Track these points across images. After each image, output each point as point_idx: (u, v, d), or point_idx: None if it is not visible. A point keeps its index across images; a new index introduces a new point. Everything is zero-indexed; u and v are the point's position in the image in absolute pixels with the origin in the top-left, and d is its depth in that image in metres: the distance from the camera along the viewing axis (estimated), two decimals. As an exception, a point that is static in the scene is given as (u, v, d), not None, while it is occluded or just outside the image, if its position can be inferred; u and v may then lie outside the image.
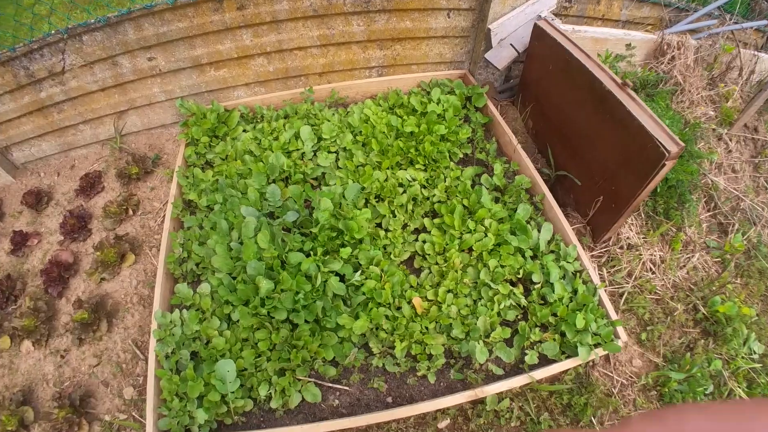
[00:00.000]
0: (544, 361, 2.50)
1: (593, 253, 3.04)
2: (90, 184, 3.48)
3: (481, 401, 2.44)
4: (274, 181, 2.97)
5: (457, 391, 2.38)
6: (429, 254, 2.73)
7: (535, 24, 3.17)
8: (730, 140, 3.71)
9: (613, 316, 2.56)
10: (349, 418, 2.26)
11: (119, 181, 3.46)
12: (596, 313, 2.52)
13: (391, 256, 2.74)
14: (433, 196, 2.95)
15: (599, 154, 2.83)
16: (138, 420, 2.58)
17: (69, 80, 3.30)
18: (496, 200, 3.00)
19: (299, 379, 2.41)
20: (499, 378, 2.44)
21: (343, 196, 2.79)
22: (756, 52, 3.95)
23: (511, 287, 2.60)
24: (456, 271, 2.62)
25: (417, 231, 2.94)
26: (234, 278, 2.57)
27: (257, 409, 2.39)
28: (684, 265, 3.14)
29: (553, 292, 2.58)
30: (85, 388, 2.72)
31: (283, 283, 2.39)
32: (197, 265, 2.75)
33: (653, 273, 3.04)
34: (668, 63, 3.69)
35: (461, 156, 3.23)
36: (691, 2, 4.08)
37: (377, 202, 2.91)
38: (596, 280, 2.68)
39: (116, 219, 3.26)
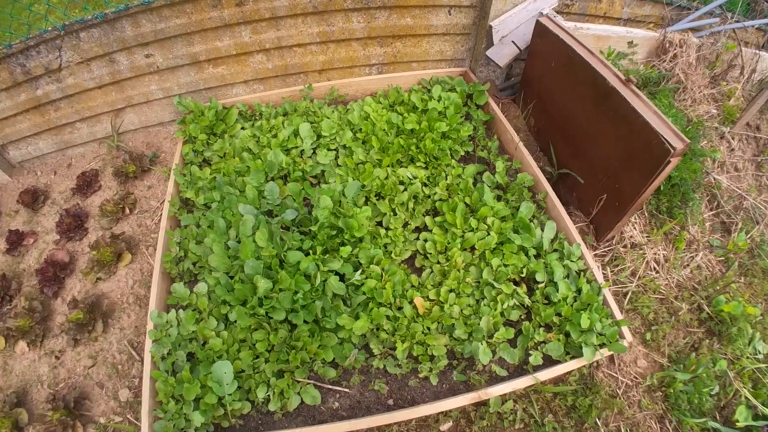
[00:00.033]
0: (548, 361, 2.42)
1: (596, 252, 2.96)
2: (87, 183, 3.39)
3: (484, 403, 2.35)
4: (272, 179, 2.88)
5: (460, 392, 2.30)
6: (430, 253, 2.65)
7: (538, 21, 3.09)
8: (733, 139, 3.63)
9: (618, 315, 2.48)
10: (349, 421, 2.18)
11: (116, 180, 3.37)
12: (601, 313, 2.43)
13: (392, 255, 2.65)
14: (435, 194, 2.86)
15: (602, 152, 2.76)
16: (133, 423, 2.50)
17: (66, 77, 3.21)
18: (498, 198, 2.91)
19: (298, 381, 2.32)
20: (502, 379, 2.36)
21: (343, 194, 2.70)
22: (757, 51, 3.88)
23: (514, 287, 2.51)
24: (458, 271, 2.54)
25: (418, 229, 2.86)
26: (231, 278, 2.48)
27: (255, 411, 2.31)
28: (688, 264, 3.06)
29: (557, 291, 2.49)
30: (80, 390, 2.65)
31: (282, 283, 2.30)
32: (194, 264, 2.66)
33: (657, 272, 2.96)
34: (670, 61, 3.62)
35: (462, 154, 3.14)
36: (693, 1, 4.00)
37: (378, 200, 2.82)
38: (600, 279, 2.60)
39: (113, 218, 3.17)
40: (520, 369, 2.43)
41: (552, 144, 3.21)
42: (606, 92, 2.62)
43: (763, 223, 3.26)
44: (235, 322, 2.35)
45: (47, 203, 3.44)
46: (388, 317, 2.41)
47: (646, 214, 3.13)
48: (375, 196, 2.84)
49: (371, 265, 2.51)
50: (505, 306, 2.44)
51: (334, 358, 2.35)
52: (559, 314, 2.46)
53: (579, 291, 2.54)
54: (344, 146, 3.10)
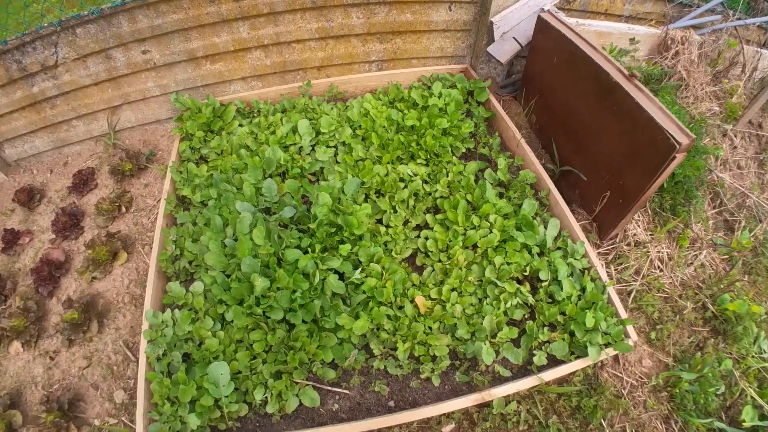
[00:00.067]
0: (553, 361, 2.33)
1: (600, 250, 2.87)
2: (83, 181, 3.30)
3: (488, 404, 2.27)
4: (270, 176, 2.80)
5: (463, 394, 2.22)
6: (432, 251, 2.56)
7: (539, 16, 3.01)
8: (735, 136, 3.55)
9: (623, 314, 2.41)
10: (349, 423, 2.10)
11: (113, 178, 3.28)
12: (606, 312, 2.36)
13: (393, 253, 2.57)
14: (435, 191, 2.78)
15: (606, 148, 2.69)
16: (128, 425, 2.42)
17: (62, 74, 3.13)
18: (500, 196, 2.83)
19: (296, 383, 2.23)
20: (506, 380, 2.28)
21: (342, 191, 2.61)
22: (759, 49, 3.81)
23: (517, 285, 2.43)
24: (460, 269, 2.45)
25: (419, 227, 2.77)
26: (228, 276, 2.39)
27: (252, 414, 2.23)
28: (691, 263, 2.98)
29: (561, 290, 2.41)
30: (75, 392, 2.57)
31: (280, 281, 2.21)
32: (190, 263, 2.58)
33: (661, 271, 2.88)
34: (672, 58, 3.55)
35: (463, 151, 3.06)
36: (694, -2, 3.93)
37: (377, 197, 2.74)
38: (605, 277, 2.51)
39: (109, 216, 3.08)
40: (524, 369, 2.34)
41: (554, 141, 3.13)
42: (609, 87, 2.55)
43: (766, 221, 3.19)
44: (232, 321, 2.26)
45: (43, 202, 3.36)
46: (388, 317, 2.32)
47: (650, 211, 3.05)
48: (375, 193, 2.76)
49: (371, 264, 2.42)
50: (508, 305, 2.35)
51: (334, 359, 2.27)
52: (563, 313, 2.38)
53: (583, 289, 2.46)
54: (343, 143, 3.01)
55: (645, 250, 2.89)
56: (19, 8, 3.41)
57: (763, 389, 2.50)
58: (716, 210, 3.23)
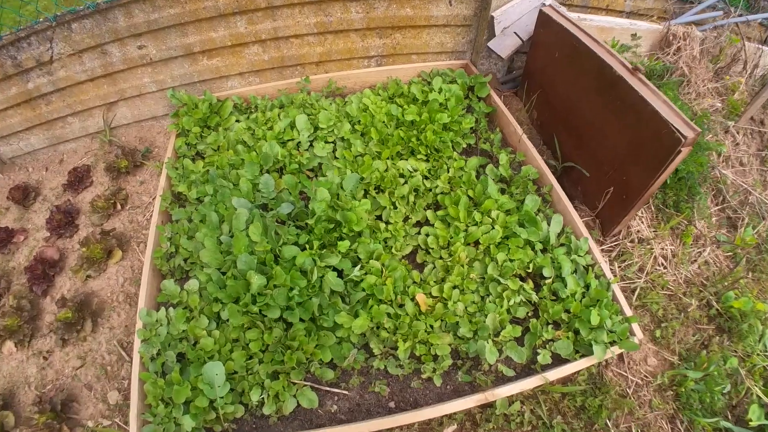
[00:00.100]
0: (557, 360, 2.24)
1: (603, 247, 2.78)
2: (78, 179, 3.21)
3: (491, 405, 2.18)
4: (267, 172, 2.70)
5: (465, 394, 2.14)
6: (432, 248, 2.47)
7: (541, 10, 2.92)
8: (738, 133, 3.47)
9: (628, 312, 2.32)
10: (348, 425, 2.02)
11: (108, 175, 3.19)
12: (611, 309, 2.27)
13: (392, 250, 2.47)
14: (436, 187, 2.68)
15: (609, 143, 2.62)
16: (122, 427, 2.32)
17: (57, 70, 3.04)
18: (502, 192, 2.74)
19: (294, 383, 2.15)
20: (509, 380, 2.19)
21: (341, 187, 2.52)
22: (760, 46, 3.73)
23: (520, 282, 2.33)
24: (462, 266, 2.36)
25: (419, 224, 2.68)
26: (224, 274, 2.30)
27: (249, 415, 2.14)
28: (695, 260, 2.89)
29: (566, 287, 2.32)
30: (68, 392, 2.49)
31: (277, 279, 2.11)
32: (185, 260, 2.48)
33: (665, 268, 2.80)
34: (674, 54, 3.46)
35: (464, 146, 2.97)
36: (695, -6, 3.84)
37: (377, 193, 2.65)
38: (609, 274, 2.42)
39: (104, 214, 2.99)
40: (528, 368, 2.26)
41: (556, 137, 3.04)
42: (612, 81, 2.48)
43: (770, 218, 3.10)
44: (228, 320, 2.16)
45: (38, 200, 3.27)
46: (389, 315, 2.23)
47: (653, 208, 2.97)
48: (374, 189, 2.67)
49: (371, 261, 2.33)
50: (511, 302, 2.26)
51: (332, 359, 2.18)
52: (567, 311, 2.29)
53: (587, 287, 2.38)
54: (342, 138, 2.92)
55: (649, 247, 2.81)
56: (16, 6, 3.32)
57: (770, 388, 2.43)
58: (719, 207, 3.15)
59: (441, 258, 2.45)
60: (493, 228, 2.44)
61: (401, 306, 2.28)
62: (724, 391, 2.39)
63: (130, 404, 2.14)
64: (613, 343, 2.22)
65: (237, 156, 2.77)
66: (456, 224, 2.48)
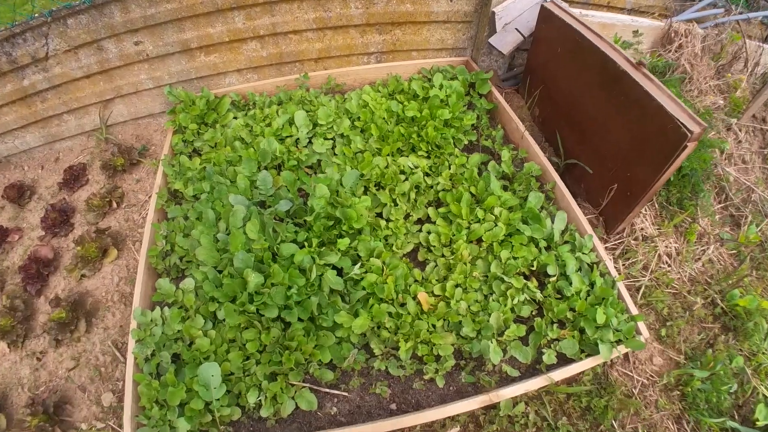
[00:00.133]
0: (562, 360, 2.16)
1: (607, 245, 2.70)
2: (74, 177, 3.12)
3: (494, 406, 2.09)
4: (265, 169, 2.61)
5: (469, 395, 2.05)
6: (434, 246, 2.38)
7: (542, 5, 2.85)
8: (740, 131, 3.40)
9: (633, 310, 2.24)
10: (348, 428, 1.94)
11: (104, 174, 3.09)
12: (616, 308, 2.18)
13: (393, 248, 2.38)
14: (437, 184, 2.60)
15: (612, 139, 2.54)
16: (116, 430, 2.24)
17: (53, 66, 2.95)
18: (505, 189, 2.65)
19: (292, 385, 2.06)
20: (513, 380, 2.09)
21: (341, 184, 2.43)
22: (761, 44, 3.66)
23: (524, 281, 2.24)
24: (464, 264, 2.27)
25: (420, 221, 2.59)
26: (220, 272, 2.20)
27: (246, 418, 2.05)
28: (699, 258, 2.81)
29: (570, 285, 2.24)
30: (61, 394, 2.41)
31: (274, 277, 2.02)
32: (181, 258, 2.39)
33: (669, 266, 2.71)
34: (676, 51, 3.39)
35: (465, 143, 2.88)
36: (696, -9, 3.77)
37: (377, 190, 2.55)
38: (613, 272, 2.34)
39: (99, 212, 2.90)
40: (533, 369, 2.17)
41: (558, 133, 2.96)
42: (616, 76, 2.41)
43: (773, 216, 3.03)
44: (224, 320, 2.07)
45: (34, 198, 3.17)
46: (390, 314, 2.15)
47: (656, 205, 2.89)
48: (374, 186, 2.57)
49: (371, 259, 2.24)
50: (515, 301, 2.18)
51: (332, 359, 2.09)
52: (572, 309, 2.20)
53: (592, 285, 2.29)
54: (342, 135, 2.83)
55: (653, 244, 2.73)
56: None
57: (776, 387, 2.35)
58: (721, 205, 3.08)
59: (443, 256, 2.37)
60: (496, 225, 2.35)
61: (403, 305, 2.19)
62: (730, 391, 2.32)
63: (124, 406, 2.06)
64: (619, 342, 2.14)
65: (234, 153, 2.68)
66: (458, 221, 2.39)
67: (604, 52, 2.49)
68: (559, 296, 2.28)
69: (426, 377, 2.12)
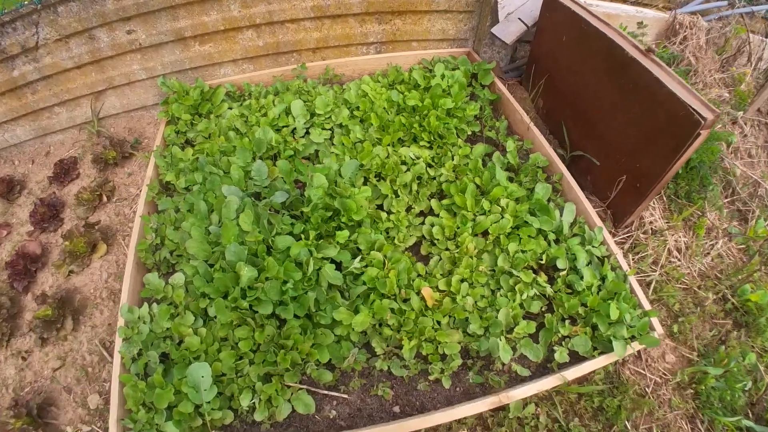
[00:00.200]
0: (574, 358, 1.98)
1: (615, 238, 2.53)
2: (64, 171, 2.93)
3: (503, 408, 1.91)
4: (261, 159, 2.41)
5: (476, 397, 1.87)
6: (438, 239, 2.20)
7: (547, -7, 2.68)
8: (745, 124, 3.24)
9: (646, 305, 2.06)
10: (348, 432, 1.75)
11: (95, 167, 2.90)
12: (629, 303, 2.00)
13: (395, 241, 2.20)
14: (440, 175, 2.42)
15: (620, 129, 2.38)
16: (102, 433, 2.03)
17: (43, 57, 2.77)
18: (510, 180, 2.47)
19: (288, 386, 1.88)
20: (524, 380, 1.91)
21: (339, 174, 2.25)
22: (764, 38, 3.51)
23: (533, 275, 2.06)
24: (470, 258, 2.09)
25: (422, 214, 2.41)
26: (212, 266, 2.01)
27: (238, 422, 1.88)
28: (708, 252, 2.64)
29: (581, 279, 2.06)
30: (46, 395, 2.23)
31: (269, 271, 1.84)
32: (171, 252, 2.20)
33: (679, 260, 2.54)
34: (680, 43, 3.24)
35: (469, 134, 2.70)
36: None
37: (378, 181, 2.37)
38: (624, 266, 2.16)
39: (89, 206, 2.71)
40: (543, 367, 1.99)
41: (564, 125, 2.79)
42: (624, 63, 2.25)
43: (781, 210, 2.87)
44: (215, 317, 1.88)
45: (23, 193, 2.99)
46: (392, 310, 1.97)
47: (665, 198, 2.72)
48: (374, 176, 2.39)
49: (372, 252, 2.06)
50: (524, 296, 2.00)
51: (331, 359, 1.92)
52: (584, 305, 2.03)
53: (603, 279, 2.12)
54: (340, 125, 2.64)
55: (662, 238, 2.55)
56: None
57: (791, 385, 2.19)
58: (728, 199, 2.91)
59: (447, 249, 2.19)
60: (503, 217, 2.18)
61: (406, 301, 2.01)
62: (745, 389, 2.16)
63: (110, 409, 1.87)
64: (632, 338, 1.97)
65: (228, 143, 2.49)
66: (463, 213, 2.21)
67: (612, 39, 2.33)
68: (569, 291, 2.10)
69: (431, 378, 1.94)
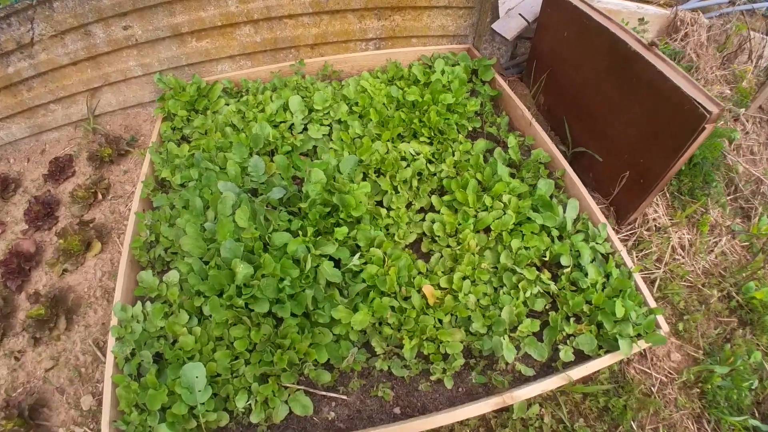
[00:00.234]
0: (579, 357, 1.90)
1: (619, 235, 2.46)
2: (59, 169, 2.85)
3: (507, 408, 1.83)
4: (257, 154, 2.33)
5: (480, 397, 1.79)
6: (439, 236, 2.12)
7: (548, -12, 2.61)
8: (747, 121, 3.17)
9: (652, 303, 1.99)
10: (347, 434, 1.67)
11: (91, 165, 2.83)
12: (634, 300, 1.93)
13: (395, 238, 2.12)
14: (441, 171, 2.34)
15: (623, 125, 2.32)
16: (95, 435, 1.95)
17: (38, 53, 2.69)
18: (512, 176, 2.39)
19: (285, 387, 1.80)
20: (528, 380, 1.83)
21: (338, 169, 2.17)
22: (765, 36, 3.45)
23: (537, 272, 1.98)
24: (472, 255, 2.01)
25: (423, 210, 2.33)
26: (207, 264, 1.93)
27: (234, 424, 1.79)
28: (712, 250, 2.57)
29: (586, 276, 1.98)
30: (38, 396, 2.14)
31: (265, 268, 1.76)
32: (166, 250, 2.12)
33: (683, 258, 2.47)
34: (681, 40, 3.17)
35: (469, 130, 2.63)
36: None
37: (377, 176, 2.29)
38: (629, 262, 2.09)
39: (84, 204, 2.63)
40: (547, 367, 1.91)
41: (566, 121, 2.73)
42: (627, 58, 2.19)
43: (783, 207, 2.80)
44: (210, 316, 1.80)
45: (18, 192, 2.90)
46: (392, 309, 1.88)
47: (668, 195, 2.66)
48: (374, 172, 2.31)
49: (371, 249, 1.98)
50: (528, 294, 1.92)
51: (329, 359, 1.84)
52: (589, 302, 1.95)
53: (607, 276, 2.04)
54: (339, 121, 2.57)
55: (666, 235, 2.48)
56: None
57: (797, 384, 2.12)
58: (731, 196, 2.85)
59: (449, 246, 2.11)
60: (506, 213, 2.10)
61: (406, 299, 1.93)
62: (751, 387, 2.09)
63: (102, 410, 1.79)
64: (638, 336, 1.89)
65: (225, 139, 2.41)
66: (465, 209, 2.13)
67: (615, 33, 2.27)
68: (574, 288, 2.02)
69: (433, 378, 1.86)
